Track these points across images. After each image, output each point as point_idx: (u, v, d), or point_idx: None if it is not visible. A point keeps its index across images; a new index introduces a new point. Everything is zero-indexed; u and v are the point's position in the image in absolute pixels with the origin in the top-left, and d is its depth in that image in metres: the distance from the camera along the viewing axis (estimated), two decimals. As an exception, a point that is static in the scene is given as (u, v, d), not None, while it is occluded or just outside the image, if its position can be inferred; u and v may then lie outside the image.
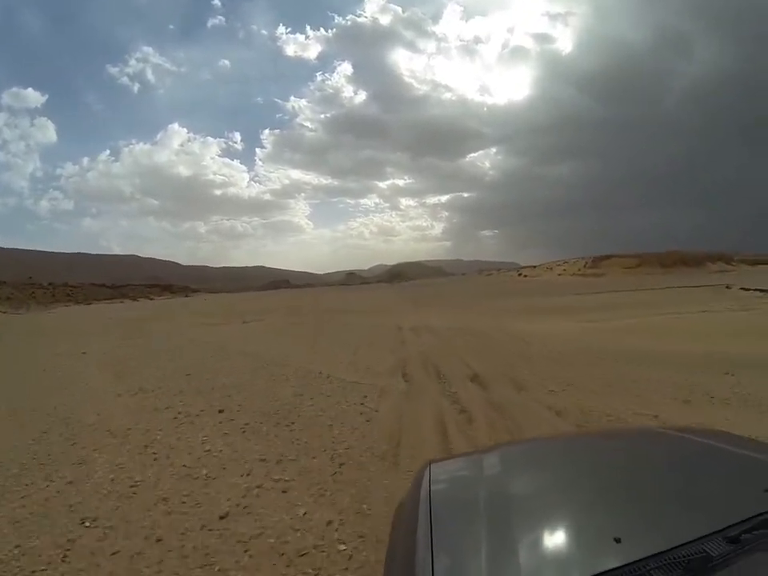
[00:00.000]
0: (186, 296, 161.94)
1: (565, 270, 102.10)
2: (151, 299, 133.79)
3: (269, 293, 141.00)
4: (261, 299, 75.46)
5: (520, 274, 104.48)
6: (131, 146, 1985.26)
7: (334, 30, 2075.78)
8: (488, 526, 1.41)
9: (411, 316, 26.19)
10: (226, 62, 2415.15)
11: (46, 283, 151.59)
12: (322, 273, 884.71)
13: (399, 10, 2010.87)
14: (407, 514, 1.68)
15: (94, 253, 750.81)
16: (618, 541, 1.24)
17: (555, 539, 1.41)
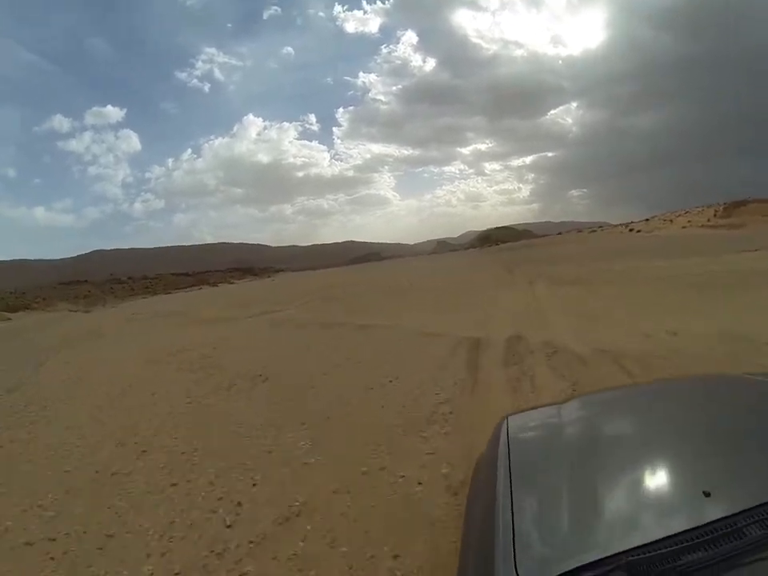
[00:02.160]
0: (269, 276, 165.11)
1: (690, 221, 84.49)
2: (231, 283, 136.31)
3: (348, 268, 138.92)
4: (324, 277, 71.37)
5: (632, 230, 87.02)
6: (210, 142, 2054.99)
7: (391, 0, 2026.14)
8: (569, 478, 1.39)
9: (505, 301, 16.30)
10: (290, 49, 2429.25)
11: (126, 277, 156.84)
12: (412, 243, 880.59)
13: None
14: (486, 469, 1.66)
15: (188, 244, 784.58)
16: (707, 495, 1.21)
17: (639, 493, 1.36)
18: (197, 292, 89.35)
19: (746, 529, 1.07)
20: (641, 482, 1.39)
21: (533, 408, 2.63)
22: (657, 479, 1.40)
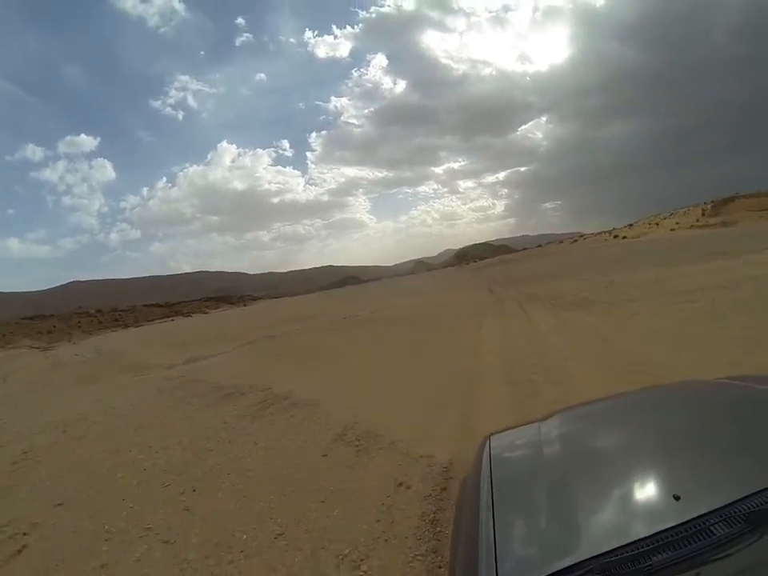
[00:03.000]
0: (245, 305, 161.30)
1: (678, 222, 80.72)
2: (205, 313, 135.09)
3: (318, 294, 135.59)
4: (290, 307, 65.53)
5: (616, 236, 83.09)
6: (185, 170, 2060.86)
7: (360, 24, 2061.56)
8: (547, 491, 1.48)
9: (494, 340, 11.75)
10: (262, 75, 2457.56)
11: (94, 310, 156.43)
12: (391, 264, 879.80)
13: None
14: (470, 487, 1.75)
15: (165, 274, 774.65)
16: (677, 498, 1.30)
17: (614, 501, 1.45)
18: (161, 325, 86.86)
19: (712, 528, 1.18)
20: (615, 490, 1.49)
21: (514, 427, 2.38)
22: (630, 486, 1.48)
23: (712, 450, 1.59)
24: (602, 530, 1.31)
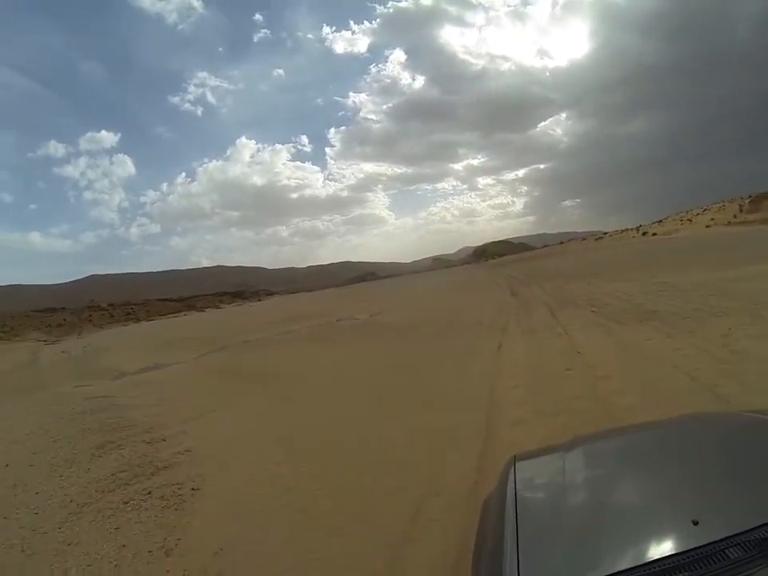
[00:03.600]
0: (259, 300, 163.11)
1: (713, 219, 75.74)
2: (219, 308, 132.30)
3: (331, 291, 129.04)
4: (295, 304, 63.26)
5: (645, 233, 78.21)
6: (204, 166, 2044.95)
7: (378, 20, 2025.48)
8: (571, 517, 1.53)
9: (524, 370, 8.12)
10: (280, 71, 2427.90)
11: (106, 304, 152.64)
12: (409, 261, 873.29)
13: None
14: (494, 510, 1.75)
15: (184, 268, 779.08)
16: (695, 523, 1.34)
17: (636, 526, 1.45)
18: (171, 320, 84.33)
19: (728, 551, 1.22)
20: (636, 515, 1.50)
21: (539, 450, 2.50)
22: (650, 512, 1.51)
23: (729, 480, 1.60)
24: (623, 551, 1.33)
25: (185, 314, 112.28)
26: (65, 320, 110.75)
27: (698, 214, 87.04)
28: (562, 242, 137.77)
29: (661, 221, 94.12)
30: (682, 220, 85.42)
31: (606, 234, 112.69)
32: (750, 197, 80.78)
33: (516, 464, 2.00)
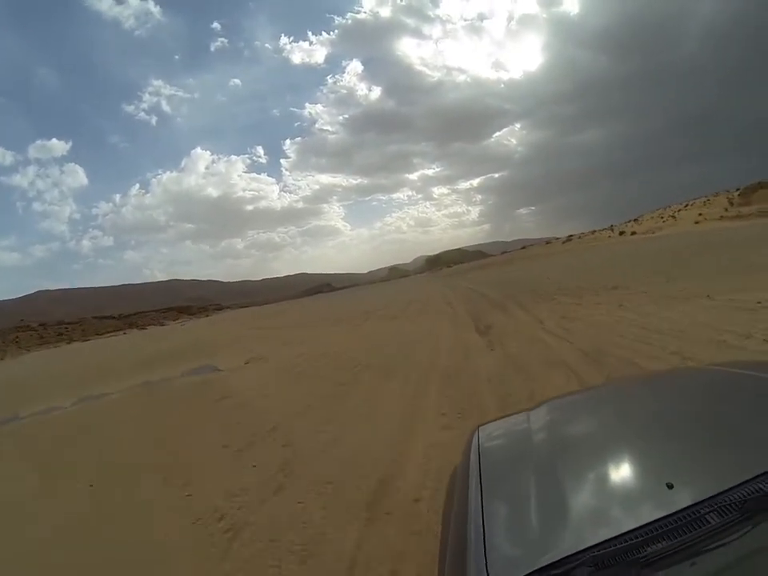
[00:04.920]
0: (207, 315, 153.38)
1: (701, 214, 67.53)
2: (163, 325, 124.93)
3: (272, 306, 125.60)
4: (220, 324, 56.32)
5: (622, 233, 69.17)
6: (159, 177, 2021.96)
7: (336, 31, 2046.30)
8: (536, 482, 1.44)
9: None
10: (237, 80, 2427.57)
11: (37, 324, 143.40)
12: (365, 271, 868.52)
13: None
14: (459, 478, 1.70)
15: (138, 282, 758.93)
16: (670, 487, 1.25)
17: (605, 490, 1.40)
18: (104, 340, 79.65)
19: (706, 516, 1.13)
20: (606, 479, 1.44)
21: (503, 417, 2.39)
22: (622, 475, 1.45)
23: (705, 437, 1.53)
24: (593, 521, 1.26)
25: (124, 333, 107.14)
26: None
27: (679, 210, 78.45)
28: (524, 247, 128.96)
29: (636, 219, 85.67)
30: (662, 217, 76.99)
31: (570, 237, 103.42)
32: (737, 190, 72.70)
33: (479, 433, 1.92)
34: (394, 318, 19.52)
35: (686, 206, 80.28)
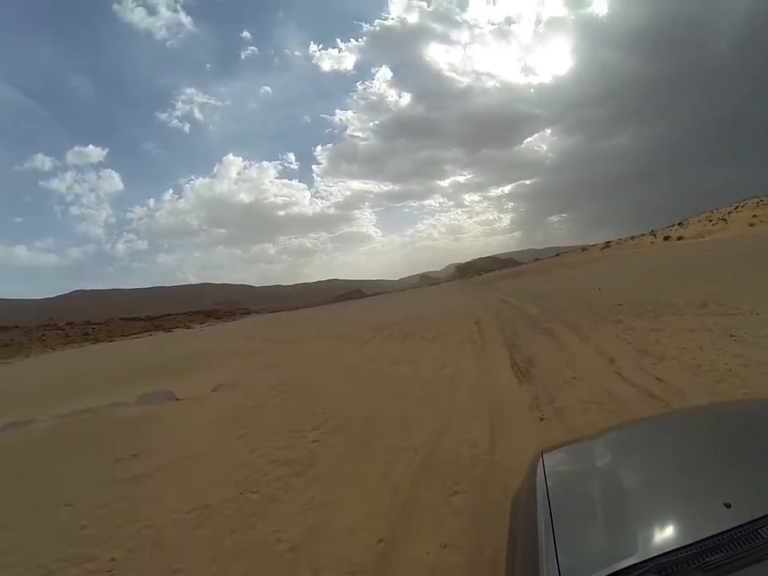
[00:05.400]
0: (234, 319, 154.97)
1: (756, 215, 62.23)
2: (188, 328, 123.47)
3: (297, 313, 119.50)
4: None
5: (667, 237, 63.99)
6: (192, 182, 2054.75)
7: (364, 37, 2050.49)
8: (603, 500, 1.53)
9: None
10: (267, 88, 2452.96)
11: (64, 323, 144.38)
12: (396, 278, 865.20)
13: (424, 4, 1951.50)
14: (525, 504, 1.72)
15: (171, 285, 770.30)
16: (728, 506, 1.34)
17: (668, 509, 1.48)
18: (128, 342, 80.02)
19: (761, 530, 1.22)
20: (668, 500, 1.52)
21: (566, 444, 2.39)
22: (682, 496, 1.54)
23: (759, 463, 1.59)
24: (657, 536, 1.34)
25: (150, 335, 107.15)
26: (12, 340, 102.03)
27: (729, 212, 73.01)
28: (558, 254, 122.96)
29: (681, 223, 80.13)
30: (710, 220, 71.50)
31: (608, 243, 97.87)
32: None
33: (544, 458, 1.95)
34: (406, 337, 15.91)
35: (736, 207, 74.42)
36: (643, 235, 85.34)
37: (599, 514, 1.46)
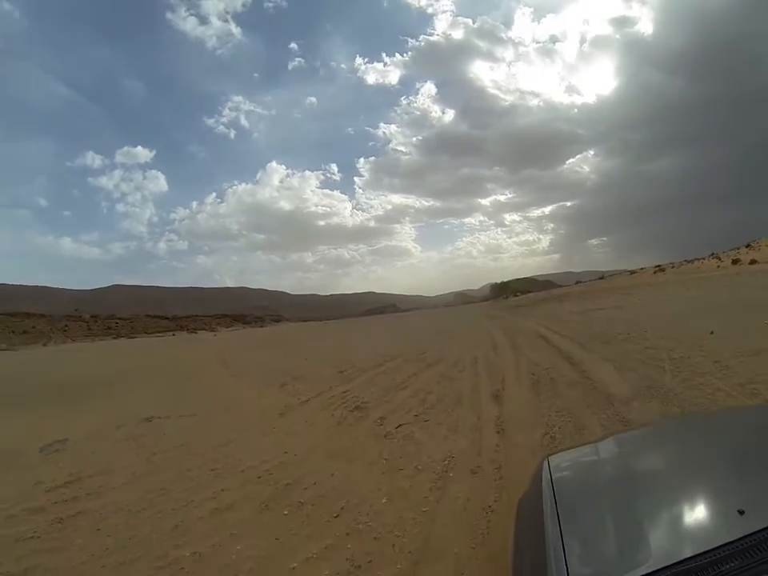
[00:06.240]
0: (261, 326, 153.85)
1: None
2: (214, 331, 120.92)
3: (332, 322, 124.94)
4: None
5: (736, 261, 55.33)
6: (234, 187, 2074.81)
7: (410, 53, 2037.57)
8: (612, 507, 1.51)
9: None
10: (313, 99, 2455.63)
11: (89, 315, 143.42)
12: (432, 295, 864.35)
13: (469, 21, 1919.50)
14: (531, 509, 1.68)
15: (207, 287, 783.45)
16: (741, 513, 1.30)
17: (679, 517, 1.45)
18: (147, 340, 78.64)
19: None
20: (679, 507, 1.49)
21: (572, 448, 2.54)
22: (694, 503, 1.50)
23: None
24: (669, 544, 1.31)
25: (173, 334, 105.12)
26: (34, 327, 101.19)
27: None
28: (602, 277, 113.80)
29: (749, 245, 71.33)
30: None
31: (659, 266, 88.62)
32: None
33: (550, 464, 1.91)
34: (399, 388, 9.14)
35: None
36: (702, 259, 76.73)
37: (608, 520, 1.40)
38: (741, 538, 1.18)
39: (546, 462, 1.92)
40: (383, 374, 13.02)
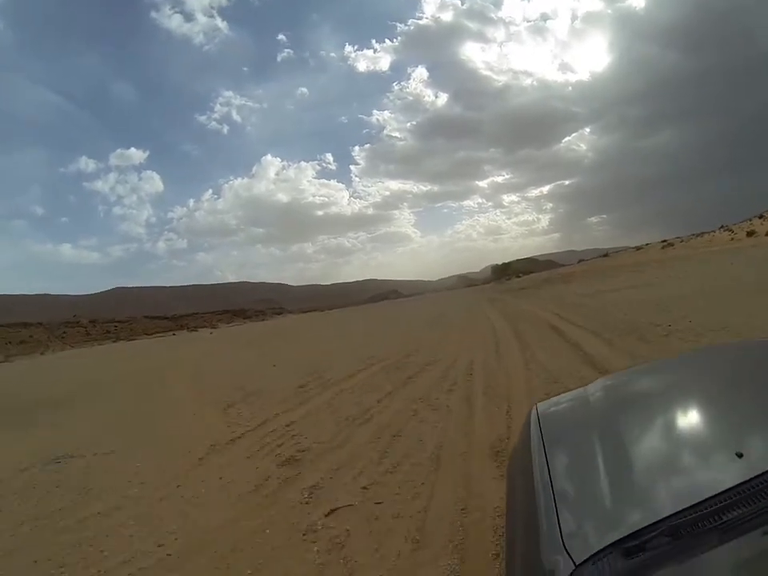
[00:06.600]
0: (263, 320, 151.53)
1: None
2: (214, 327, 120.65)
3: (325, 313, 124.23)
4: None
5: (752, 233, 52.25)
6: (230, 183, 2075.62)
7: (399, 38, 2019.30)
8: (605, 455, 1.41)
9: None
10: (304, 89, 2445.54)
11: (87, 320, 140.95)
12: (434, 279, 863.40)
13: (458, 2, 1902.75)
14: (522, 456, 1.66)
15: (209, 283, 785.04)
16: (740, 455, 1.24)
17: (674, 462, 1.39)
18: (145, 342, 78.46)
19: None
20: (674, 451, 1.42)
21: (560, 394, 2.32)
22: (689, 447, 1.43)
23: None
24: (666, 493, 1.24)
25: (173, 334, 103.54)
26: (31, 336, 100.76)
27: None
28: (606, 254, 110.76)
29: (762, 216, 68.11)
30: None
31: (665, 241, 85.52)
32: None
33: (539, 413, 1.85)
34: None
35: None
36: (712, 231, 73.75)
37: (601, 471, 1.32)
38: (741, 483, 1.10)
39: (534, 410, 1.87)
40: (349, 392, 10.29)
